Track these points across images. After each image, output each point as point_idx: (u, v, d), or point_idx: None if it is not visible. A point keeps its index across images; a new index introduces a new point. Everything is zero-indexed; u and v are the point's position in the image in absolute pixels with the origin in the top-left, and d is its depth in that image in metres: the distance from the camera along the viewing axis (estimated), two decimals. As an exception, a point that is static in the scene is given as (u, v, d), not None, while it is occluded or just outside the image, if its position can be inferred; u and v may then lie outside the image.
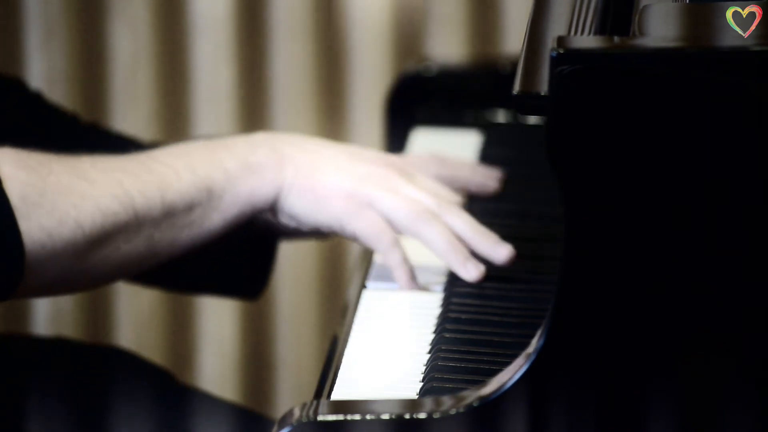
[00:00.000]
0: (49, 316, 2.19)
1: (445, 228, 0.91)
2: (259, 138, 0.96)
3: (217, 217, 0.90)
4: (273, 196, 0.91)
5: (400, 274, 0.92)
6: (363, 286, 0.99)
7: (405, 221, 0.92)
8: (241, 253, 1.05)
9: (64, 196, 0.83)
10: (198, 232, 0.90)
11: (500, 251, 0.92)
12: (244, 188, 0.90)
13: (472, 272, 0.91)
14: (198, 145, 0.95)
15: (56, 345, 1.24)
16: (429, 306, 0.92)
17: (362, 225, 0.91)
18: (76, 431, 1.02)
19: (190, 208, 0.88)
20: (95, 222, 0.84)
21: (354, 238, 0.93)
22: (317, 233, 1.09)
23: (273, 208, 0.93)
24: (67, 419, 1.01)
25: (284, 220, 0.94)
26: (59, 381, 1.04)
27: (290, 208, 0.92)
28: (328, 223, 0.93)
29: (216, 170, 0.90)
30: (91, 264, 0.85)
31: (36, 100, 1.19)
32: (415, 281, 0.93)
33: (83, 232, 0.83)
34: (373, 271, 1.00)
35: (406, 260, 0.91)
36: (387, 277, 0.98)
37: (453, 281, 0.94)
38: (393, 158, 1.01)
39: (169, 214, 0.87)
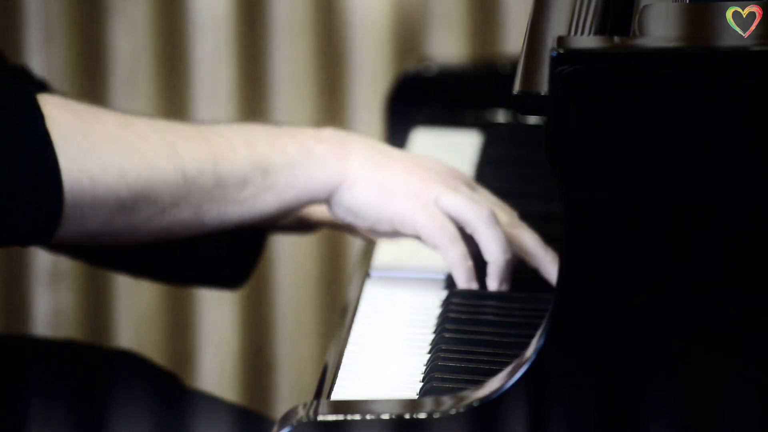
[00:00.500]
0: (48, 315, 2.19)
1: (504, 237, 0.91)
2: (326, 131, 0.95)
3: (271, 199, 0.89)
4: (333, 186, 0.90)
5: (460, 272, 0.91)
6: (366, 277, 0.99)
7: (469, 217, 0.91)
8: (228, 243, 1.03)
9: (110, 144, 0.83)
10: (249, 210, 0.88)
11: None
12: (303, 174, 0.89)
13: (503, 288, 0.92)
14: (261, 128, 0.94)
15: (64, 347, 1.24)
16: (429, 306, 0.92)
17: (424, 220, 0.91)
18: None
19: (242, 183, 0.87)
20: (140, 175, 0.83)
21: (414, 235, 0.92)
22: (306, 227, 1.07)
23: (331, 199, 0.92)
24: (73, 422, 1.01)
25: (341, 213, 0.93)
26: (66, 383, 1.04)
27: (351, 201, 0.91)
28: (390, 218, 0.92)
29: (275, 152, 0.89)
30: (137, 220, 0.84)
31: (41, 88, 1.19)
32: (474, 281, 0.91)
33: (127, 183, 0.82)
34: (374, 272, 1.00)
35: (466, 257, 0.90)
36: (387, 276, 0.98)
37: (453, 281, 0.94)
38: (460, 170, 1.01)
39: (220, 185, 0.86)
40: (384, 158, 0.92)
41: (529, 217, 1.10)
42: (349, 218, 0.93)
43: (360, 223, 0.93)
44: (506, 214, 0.94)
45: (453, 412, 0.68)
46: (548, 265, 0.91)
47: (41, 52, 2.08)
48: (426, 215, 0.90)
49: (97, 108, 0.88)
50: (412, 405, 0.71)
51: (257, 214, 0.89)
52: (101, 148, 0.82)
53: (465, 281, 0.91)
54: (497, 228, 0.90)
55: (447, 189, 0.91)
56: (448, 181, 0.93)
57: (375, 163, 0.91)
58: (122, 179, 0.81)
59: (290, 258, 2.05)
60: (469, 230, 0.90)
